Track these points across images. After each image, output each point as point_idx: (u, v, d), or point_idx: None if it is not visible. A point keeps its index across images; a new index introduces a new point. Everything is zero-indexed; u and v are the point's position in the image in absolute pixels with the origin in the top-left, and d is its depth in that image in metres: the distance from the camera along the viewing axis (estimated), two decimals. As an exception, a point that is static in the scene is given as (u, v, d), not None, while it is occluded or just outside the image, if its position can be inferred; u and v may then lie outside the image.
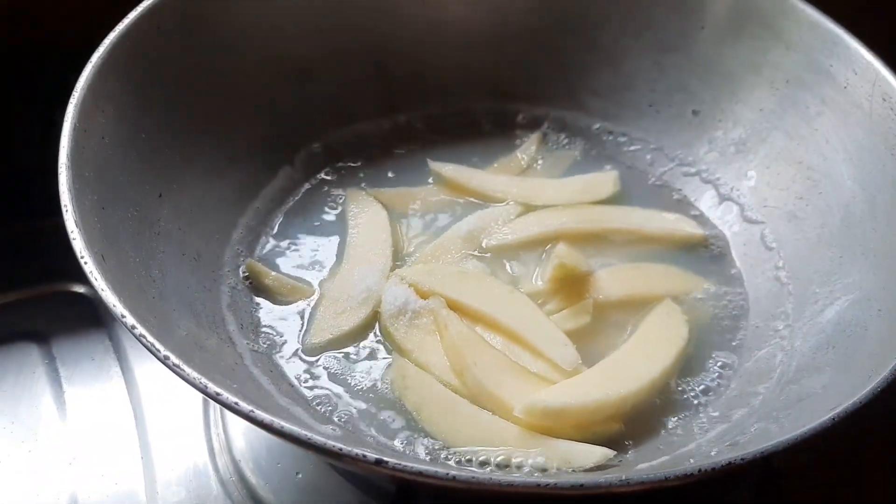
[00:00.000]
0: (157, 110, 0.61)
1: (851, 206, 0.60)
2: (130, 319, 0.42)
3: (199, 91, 0.65)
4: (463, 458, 0.52)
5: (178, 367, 0.40)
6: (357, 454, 0.37)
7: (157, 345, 0.41)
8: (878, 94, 0.60)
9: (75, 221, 0.47)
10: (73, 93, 0.54)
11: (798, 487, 0.64)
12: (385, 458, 0.37)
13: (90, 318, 0.71)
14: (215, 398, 0.39)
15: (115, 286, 0.45)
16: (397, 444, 0.53)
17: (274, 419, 0.38)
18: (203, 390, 0.40)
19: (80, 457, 0.63)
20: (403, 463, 0.37)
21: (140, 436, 0.64)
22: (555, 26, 0.75)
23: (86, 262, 0.45)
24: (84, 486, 0.62)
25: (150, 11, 0.60)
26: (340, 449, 0.37)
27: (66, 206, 0.47)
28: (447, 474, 0.37)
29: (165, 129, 0.61)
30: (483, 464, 0.51)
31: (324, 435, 0.47)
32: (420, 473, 0.37)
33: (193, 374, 0.40)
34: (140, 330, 0.42)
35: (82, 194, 0.50)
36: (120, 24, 0.59)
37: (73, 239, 0.46)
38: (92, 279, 0.44)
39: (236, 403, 0.39)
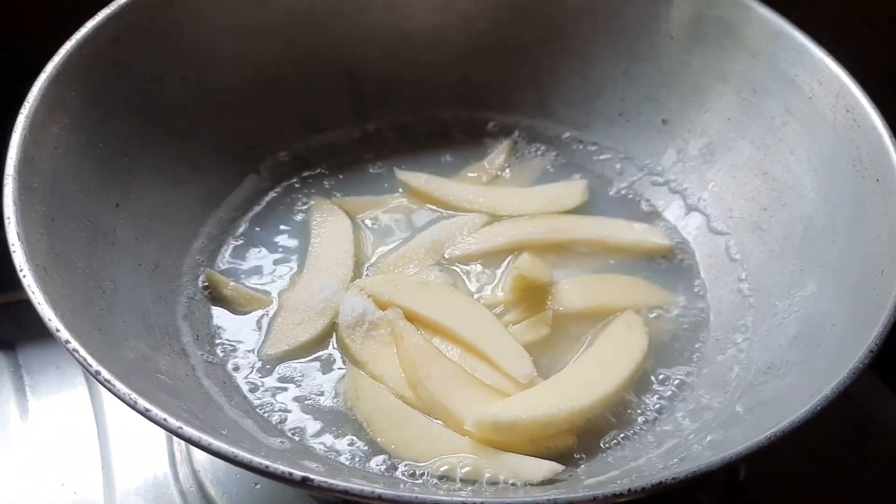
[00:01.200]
0: (115, 120, 0.60)
1: (814, 219, 0.59)
2: (65, 334, 0.42)
3: (161, 100, 0.64)
4: (414, 471, 0.51)
5: (108, 382, 0.40)
6: (283, 472, 0.37)
7: (90, 360, 0.41)
8: (841, 106, 0.59)
9: (17, 233, 0.46)
10: (25, 103, 0.54)
11: (764, 499, 0.63)
12: (311, 476, 0.37)
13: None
14: (144, 414, 0.39)
15: (55, 300, 0.45)
16: (346, 456, 0.52)
17: (202, 435, 0.38)
18: (133, 406, 0.39)
19: (40, 465, 0.63)
20: (329, 481, 0.37)
21: (101, 445, 0.64)
22: (525, 36, 0.74)
23: (24, 276, 0.44)
24: (43, 495, 0.61)
25: (109, 20, 0.60)
26: (266, 466, 0.37)
27: (8, 218, 0.47)
28: (372, 492, 0.36)
29: (124, 138, 0.61)
30: (432, 476, 0.51)
31: (268, 449, 0.47)
32: (346, 492, 0.36)
33: (124, 391, 0.40)
34: (74, 345, 0.41)
35: (29, 205, 0.50)
36: (77, 33, 0.59)
37: (14, 251, 0.46)
38: (29, 293, 0.44)
39: (164, 420, 0.39)
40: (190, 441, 0.38)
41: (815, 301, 0.55)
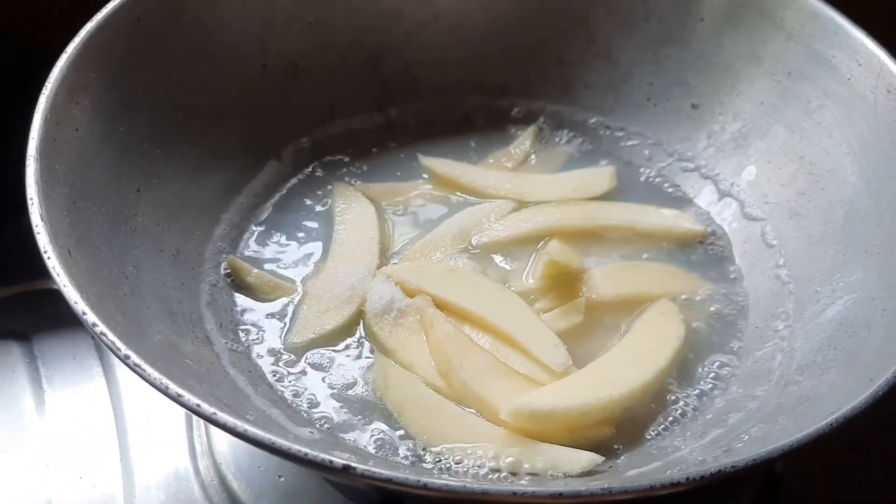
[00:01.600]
0: (137, 103, 0.59)
1: (855, 203, 0.57)
2: (92, 317, 0.40)
3: (182, 84, 0.63)
4: (445, 461, 0.50)
5: (138, 366, 0.38)
6: (323, 460, 0.35)
7: (118, 343, 0.39)
8: (882, 86, 0.57)
9: (40, 215, 0.45)
10: (46, 84, 0.52)
11: (801, 491, 0.61)
12: (353, 465, 0.35)
13: (73, 317, 0.69)
14: (177, 400, 0.38)
15: (80, 283, 0.43)
16: (375, 446, 0.51)
17: (237, 422, 0.37)
18: (164, 391, 0.38)
19: (57, 459, 0.61)
20: (373, 469, 0.35)
21: (120, 438, 0.62)
22: (550, 19, 0.73)
23: (49, 258, 0.43)
24: (61, 489, 0.60)
25: (130, 2, 0.58)
26: (306, 454, 0.35)
27: (31, 198, 0.46)
28: (418, 481, 0.35)
29: (146, 122, 0.59)
30: (466, 467, 0.49)
31: (297, 438, 0.46)
32: (389, 480, 0.35)
33: (154, 375, 0.38)
34: (101, 328, 0.40)
35: (51, 187, 0.48)
36: (98, 13, 0.57)
37: (38, 233, 0.44)
38: (54, 275, 0.42)
39: (198, 406, 0.37)
40: (224, 427, 0.37)
41: (861, 286, 0.53)
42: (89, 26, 0.56)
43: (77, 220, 0.49)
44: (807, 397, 0.47)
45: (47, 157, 0.49)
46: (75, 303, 0.41)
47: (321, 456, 0.35)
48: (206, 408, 0.37)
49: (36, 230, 0.44)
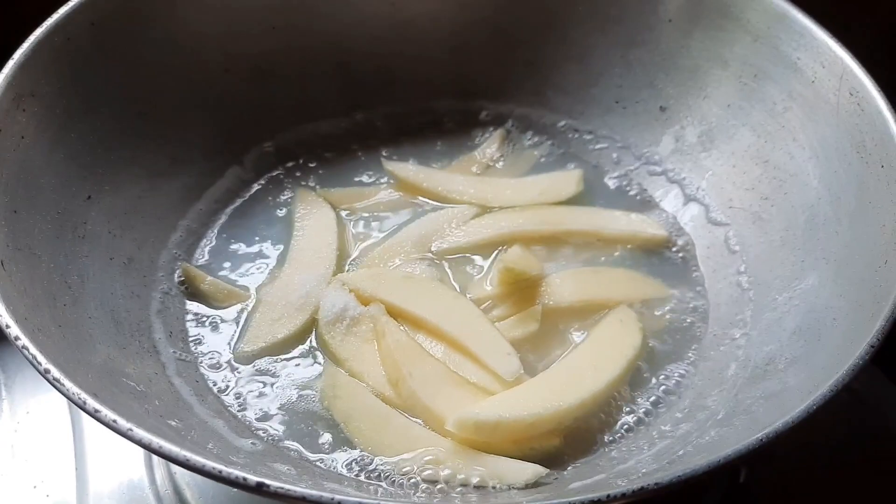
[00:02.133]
0: (91, 109, 0.58)
1: (816, 208, 0.56)
2: (14, 330, 0.40)
3: (140, 89, 0.62)
4: (390, 472, 0.49)
5: (57, 381, 0.38)
6: (237, 477, 0.34)
7: (39, 357, 0.39)
8: (845, 89, 0.56)
9: (-28, 226, 0.44)
10: (-11, 91, 0.51)
11: (765, 496, 0.60)
12: (266, 482, 0.34)
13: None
14: (93, 415, 0.37)
15: (10, 295, 0.43)
16: (320, 458, 0.50)
17: (153, 438, 0.36)
18: (81, 406, 0.37)
19: (12, 466, 0.61)
20: (286, 486, 0.34)
21: (76, 447, 0.62)
22: (520, 21, 0.72)
23: (-24, 269, 0.42)
24: (15, 498, 0.59)
25: (84, 6, 0.58)
26: (220, 471, 0.35)
27: (-37, 209, 0.45)
28: (332, 499, 0.34)
29: (100, 128, 0.59)
30: (408, 479, 0.48)
31: (236, 451, 0.45)
32: (303, 498, 0.34)
33: (73, 390, 0.37)
34: (23, 341, 0.39)
35: (-11, 197, 0.47)
36: (50, 18, 0.57)
37: (-32, 244, 0.43)
38: (-20, 287, 0.41)
39: (114, 421, 0.36)
40: (140, 444, 0.36)
41: (817, 294, 0.52)
42: (39, 31, 0.56)
43: (16, 230, 0.48)
44: (758, 405, 0.46)
45: (-12, 166, 0.48)
46: (-1, 315, 0.40)
47: (235, 473, 0.35)
48: (122, 423, 0.36)
49: (-34, 241, 0.43)
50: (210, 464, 0.35)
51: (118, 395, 0.43)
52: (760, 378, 0.49)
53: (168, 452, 0.35)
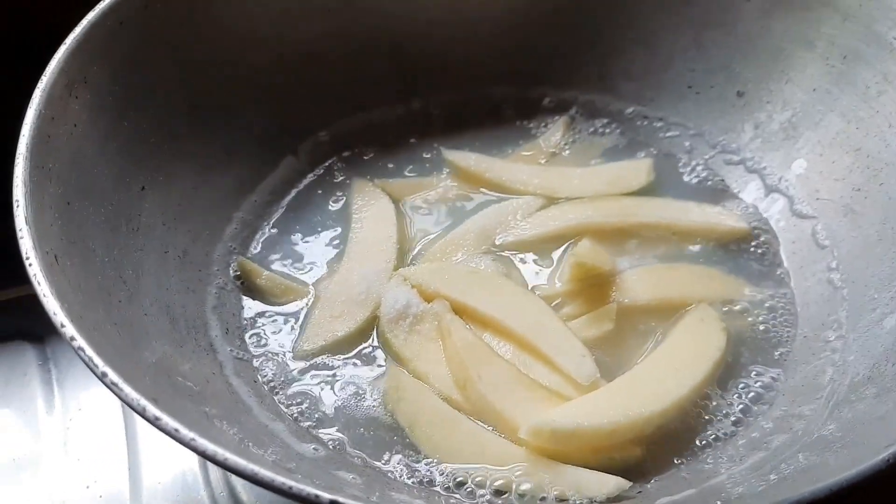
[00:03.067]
0: (144, 96, 0.56)
1: (918, 200, 0.52)
2: (70, 330, 0.38)
3: (193, 76, 0.60)
4: (460, 482, 0.46)
5: (115, 385, 0.35)
6: (308, 494, 0.32)
7: (95, 360, 0.36)
8: (951, 70, 0.52)
9: (25, 218, 0.42)
10: (42, 77, 0.49)
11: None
12: (340, 500, 0.31)
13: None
14: (153, 423, 0.34)
15: (64, 291, 0.41)
16: (385, 464, 0.47)
17: (218, 449, 0.33)
18: (141, 413, 0.35)
19: (66, 463, 0.59)
20: (357, 504, 0.31)
21: (129, 443, 0.60)
22: (584, 3, 0.68)
23: (30, 264, 0.40)
24: (68, 495, 0.58)
25: (137, -12, 0.55)
26: (290, 487, 0.32)
27: (17, 200, 0.43)
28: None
29: (153, 117, 0.57)
30: (481, 489, 0.45)
31: (299, 457, 0.42)
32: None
33: (132, 396, 0.35)
34: (79, 342, 0.37)
35: (41, 188, 0.45)
36: (102, 1, 0.54)
37: (21, 238, 0.41)
38: (34, 283, 0.39)
39: (176, 430, 0.34)
40: (204, 455, 0.34)
41: (925, 294, 0.47)
42: (91, 15, 0.54)
43: (70, 222, 0.46)
44: (861, 421, 0.42)
45: (39, 155, 0.46)
46: (54, 314, 0.38)
47: (306, 490, 0.32)
48: (185, 432, 0.34)
49: (19, 234, 0.41)
50: (279, 479, 0.32)
51: (176, 399, 0.40)
52: (864, 385, 0.45)
53: (234, 465, 0.33)
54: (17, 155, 0.45)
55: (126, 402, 0.35)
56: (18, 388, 0.64)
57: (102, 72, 0.53)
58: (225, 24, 0.61)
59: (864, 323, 0.50)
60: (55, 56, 0.51)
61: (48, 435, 0.61)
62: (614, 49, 0.69)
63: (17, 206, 0.43)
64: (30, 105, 0.48)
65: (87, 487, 0.58)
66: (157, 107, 0.57)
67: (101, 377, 0.36)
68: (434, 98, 0.70)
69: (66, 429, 0.62)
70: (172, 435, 0.34)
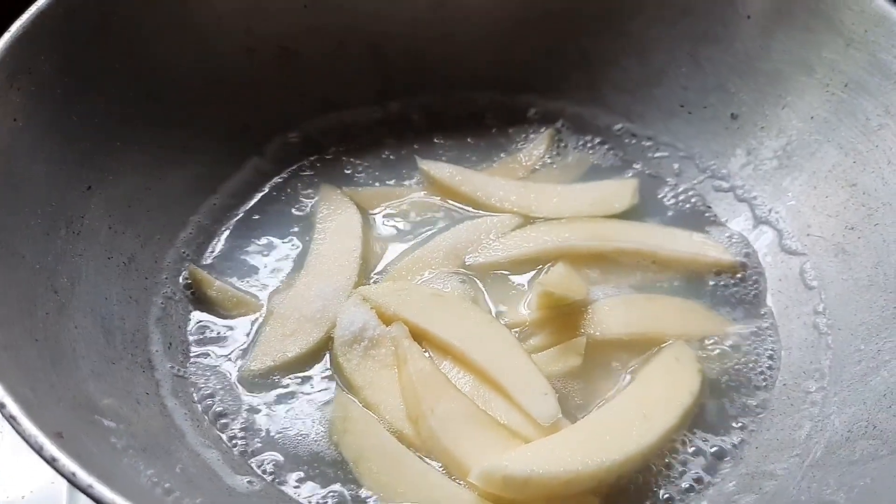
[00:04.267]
0: (94, 90, 0.53)
1: (913, 245, 0.48)
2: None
3: (153, 67, 0.57)
4: (403, 526, 0.43)
5: (13, 419, 0.32)
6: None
7: (-5, 389, 0.33)
8: (957, 107, 0.48)
9: (-61, 224, 0.39)
10: (-21, 68, 0.46)
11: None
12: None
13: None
14: (51, 464, 0.31)
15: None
16: (321, 500, 0.44)
17: (116, 498, 0.30)
18: (38, 451, 0.32)
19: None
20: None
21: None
22: (577, 9, 0.64)
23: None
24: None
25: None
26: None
27: (-68, 205, 0.39)
28: None
29: (104, 110, 0.53)
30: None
31: (230, 490, 0.39)
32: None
33: (29, 430, 0.32)
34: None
35: (-32, 186, 0.42)
36: (54, -13, 0.51)
37: (-68, 245, 0.38)
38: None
39: (73, 475, 0.30)
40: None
41: (913, 351, 0.44)
42: (40, 2, 0.50)
43: (-2, 226, 0.43)
44: (835, 490, 0.39)
45: (-32, 152, 0.43)
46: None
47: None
48: (83, 477, 0.30)
49: (-70, 242, 0.38)
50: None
51: (90, 431, 0.37)
52: (841, 447, 0.42)
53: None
54: (-60, 154, 0.42)
55: (22, 438, 0.32)
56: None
57: (49, 62, 0.50)
58: (190, 13, 0.58)
59: (847, 376, 0.47)
60: (-4, 45, 0.47)
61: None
62: (606, 59, 0.65)
63: (-68, 212, 0.39)
64: (-37, 98, 0.44)
65: (23, 497, 0.55)
66: (108, 98, 0.54)
67: (-1, 409, 0.32)
68: (413, 101, 0.67)
69: None
70: (69, 479, 0.31)
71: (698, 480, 0.45)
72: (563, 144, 0.65)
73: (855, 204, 0.53)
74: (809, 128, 0.57)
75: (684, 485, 0.45)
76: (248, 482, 0.44)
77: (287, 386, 0.50)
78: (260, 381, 0.50)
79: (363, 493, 0.45)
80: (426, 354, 0.50)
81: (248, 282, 0.56)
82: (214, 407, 0.48)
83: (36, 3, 0.50)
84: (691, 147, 0.63)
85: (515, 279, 0.56)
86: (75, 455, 0.32)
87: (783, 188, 0.58)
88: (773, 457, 0.45)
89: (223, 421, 0.48)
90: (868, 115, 0.54)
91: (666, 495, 0.45)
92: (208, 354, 0.51)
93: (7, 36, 0.48)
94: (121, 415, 0.41)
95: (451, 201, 0.61)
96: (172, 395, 0.47)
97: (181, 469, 0.40)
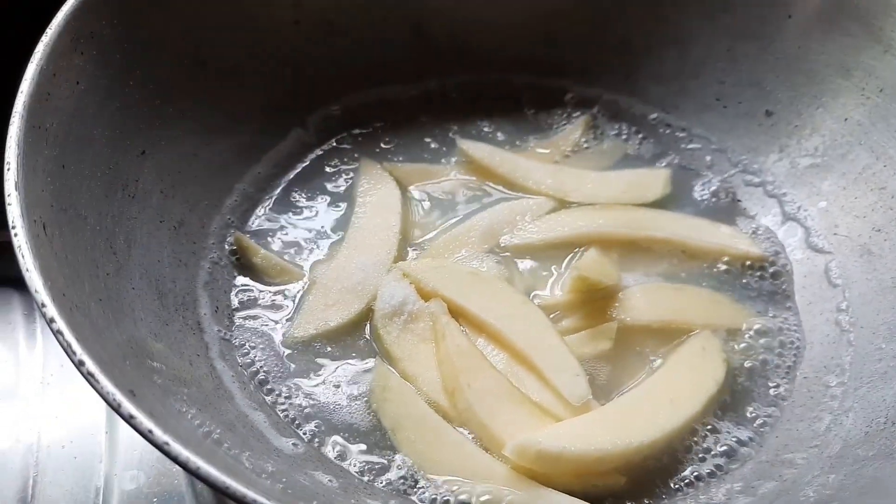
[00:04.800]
0: (151, 55, 0.54)
1: (939, 251, 0.50)
2: (51, 310, 0.36)
3: (204, 36, 0.58)
4: (437, 493, 0.45)
5: (91, 376, 0.34)
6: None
7: (74, 346, 0.35)
8: None
9: (15, 183, 0.40)
10: (46, 30, 0.47)
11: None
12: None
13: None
14: (128, 421, 0.33)
15: (49, 265, 0.39)
16: (362, 466, 0.46)
17: (190, 457, 0.32)
18: (116, 409, 0.33)
19: (46, 422, 0.58)
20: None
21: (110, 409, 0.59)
22: (619, -3, 0.65)
23: (16, 234, 0.38)
24: (43, 456, 0.57)
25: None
26: (244, 496, 0.31)
27: (8, 163, 0.41)
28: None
29: (159, 77, 0.55)
30: (461, 502, 0.44)
31: (277, 452, 0.41)
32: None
33: (108, 389, 0.34)
34: (58, 325, 0.36)
35: (36, 150, 0.44)
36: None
37: (9, 204, 0.40)
38: (18, 256, 0.38)
39: (150, 432, 0.33)
40: (177, 461, 0.32)
41: (935, 354, 0.46)
42: (104, -33, 0.51)
43: (63, 186, 0.44)
44: (853, 484, 0.41)
45: (37, 113, 0.45)
46: (36, 291, 0.37)
47: (253, 497, 0.31)
48: (159, 435, 0.33)
49: (7, 201, 0.40)
50: (251, 495, 0.31)
51: (153, 390, 0.39)
52: (860, 444, 0.44)
53: (206, 475, 0.32)
54: (14, 114, 0.43)
55: (101, 396, 0.34)
56: (3, 334, 0.63)
57: (112, 26, 0.51)
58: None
59: (867, 374, 0.49)
60: (62, 9, 0.48)
61: (31, 391, 0.60)
62: (644, 48, 0.66)
63: (8, 170, 0.41)
64: (31, 60, 0.46)
65: (63, 447, 0.57)
66: (163, 65, 0.55)
67: (78, 366, 0.34)
68: (452, 79, 0.68)
69: (50, 385, 0.61)
70: (145, 436, 0.33)
71: (719, 466, 0.47)
72: (599, 131, 0.67)
73: (883, 207, 0.55)
74: (843, 129, 0.59)
75: (706, 469, 0.47)
76: (293, 444, 0.46)
77: (328, 354, 0.52)
78: (302, 347, 0.52)
79: (399, 458, 0.47)
80: (463, 331, 0.52)
81: (290, 251, 0.57)
82: (259, 371, 0.50)
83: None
84: (724, 140, 0.64)
85: (549, 262, 0.57)
86: (148, 413, 0.34)
87: (813, 187, 0.59)
88: (793, 446, 0.47)
89: (268, 386, 0.50)
90: (902, 121, 0.55)
91: (688, 478, 0.47)
92: (254, 318, 0.53)
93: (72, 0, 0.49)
94: (177, 375, 0.43)
95: (488, 182, 0.62)
96: (220, 357, 0.49)
97: (233, 429, 0.42)
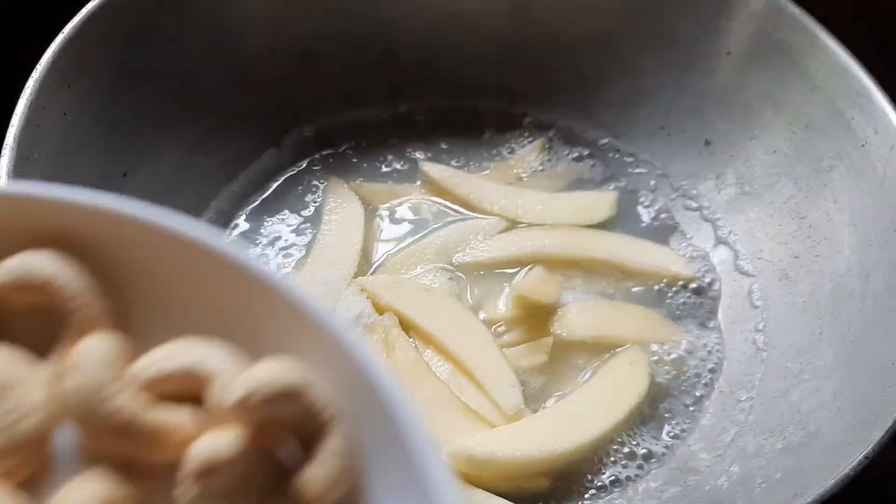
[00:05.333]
0: (135, 83, 0.59)
1: (844, 279, 0.55)
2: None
3: (188, 64, 0.63)
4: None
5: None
6: None
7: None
8: (895, 160, 0.54)
9: (4, 212, 0.45)
10: (37, 66, 0.52)
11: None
12: None
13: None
14: None
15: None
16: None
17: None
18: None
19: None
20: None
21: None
22: (577, 30, 0.70)
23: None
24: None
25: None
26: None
27: (-1, 193, 0.46)
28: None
29: (142, 103, 0.59)
30: None
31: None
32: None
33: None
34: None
35: (26, 178, 0.49)
36: (102, -9, 0.57)
37: (-2, 232, 0.44)
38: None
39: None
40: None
41: (828, 374, 0.51)
42: (92, 4, 0.56)
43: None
44: (741, 488, 0.46)
45: (26, 144, 0.49)
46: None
47: None
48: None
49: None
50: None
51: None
52: (754, 456, 0.49)
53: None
54: (5, 146, 0.49)
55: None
56: None
57: (99, 61, 0.56)
58: (223, 18, 0.64)
59: (772, 390, 0.54)
60: (52, 45, 0.53)
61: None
62: (600, 78, 0.71)
63: (-1, 199, 0.46)
64: (21, 95, 0.51)
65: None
66: (146, 92, 0.60)
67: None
68: (421, 103, 0.73)
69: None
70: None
71: (637, 468, 0.53)
72: (555, 153, 0.72)
73: (802, 235, 0.60)
74: (771, 160, 0.63)
75: (622, 474, 0.53)
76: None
77: (289, 362, 0.57)
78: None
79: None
80: (412, 343, 0.57)
81: (260, 265, 0.62)
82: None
83: (85, 6, 0.56)
84: (668, 166, 0.69)
85: (497, 278, 0.63)
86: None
87: (743, 213, 0.64)
88: (699, 455, 0.53)
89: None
90: (821, 156, 0.60)
91: (607, 481, 0.52)
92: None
93: (61, 36, 0.54)
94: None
95: (447, 202, 0.67)
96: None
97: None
